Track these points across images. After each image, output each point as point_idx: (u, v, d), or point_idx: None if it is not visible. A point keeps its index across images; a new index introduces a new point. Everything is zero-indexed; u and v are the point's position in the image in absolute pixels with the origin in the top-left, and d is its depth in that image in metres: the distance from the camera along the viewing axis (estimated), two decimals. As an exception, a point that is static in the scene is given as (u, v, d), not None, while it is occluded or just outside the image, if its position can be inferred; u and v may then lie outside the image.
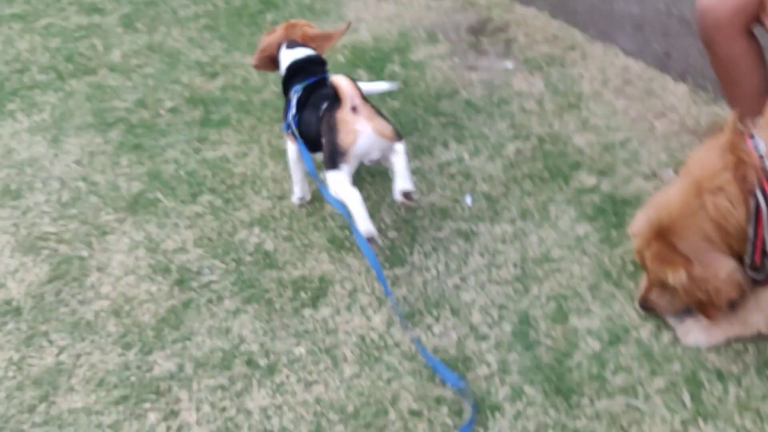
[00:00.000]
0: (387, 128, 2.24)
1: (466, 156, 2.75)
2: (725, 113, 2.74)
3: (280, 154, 2.84)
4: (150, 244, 2.49)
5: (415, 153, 2.78)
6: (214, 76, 3.38)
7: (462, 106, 3.02)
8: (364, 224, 2.10)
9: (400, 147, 2.24)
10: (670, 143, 2.68)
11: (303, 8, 3.85)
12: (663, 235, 1.83)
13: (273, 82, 3.28)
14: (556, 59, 3.22)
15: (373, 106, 2.28)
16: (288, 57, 2.62)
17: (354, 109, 2.20)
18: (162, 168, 2.84)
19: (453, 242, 2.39)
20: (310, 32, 2.69)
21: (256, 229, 2.51)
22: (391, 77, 3.22)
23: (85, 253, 2.48)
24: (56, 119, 3.19)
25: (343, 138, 2.18)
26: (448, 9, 3.70)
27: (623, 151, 2.67)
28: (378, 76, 3.25)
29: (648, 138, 2.72)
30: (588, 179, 2.58)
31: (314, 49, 2.65)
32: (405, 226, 2.47)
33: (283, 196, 2.63)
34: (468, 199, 2.55)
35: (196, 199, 2.67)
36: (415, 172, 2.67)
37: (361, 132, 2.18)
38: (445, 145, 2.82)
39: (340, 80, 2.22)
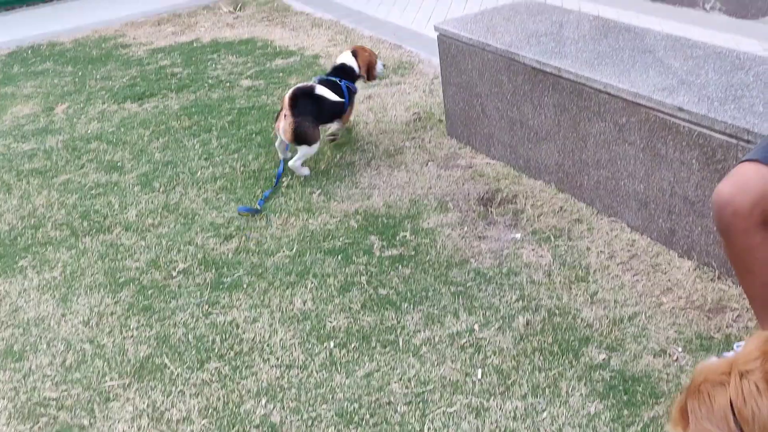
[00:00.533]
0: (288, 131, 3.78)
1: (476, 327, 2.76)
2: (731, 291, 2.76)
3: (291, 320, 2.85)
4: (154, 413, 2.46)
5: (426, 323, 2.80)
6: (228, 238, 3.46)
7: (472, 276, 3.06)
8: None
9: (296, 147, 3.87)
10: (677, 319, 2.69)
11: (319, 174, 3.98)
12: (689, 392, 1.80)
13: (286, 246, 3.35)
14: (563, 231, 3.28)
15: (296, 117, 3.75)
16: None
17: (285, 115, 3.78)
18: (171, 331, 2.85)
19: (464, 418, 2.35)
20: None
21: (263, 400, 2.49)
22: (403, 244, 3.29)
23: (85, 422, 2.45)
24: (67, 277, 3.24)
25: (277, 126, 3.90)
26: (458, 179, 3.82)
27: (632, 327, 2.68)
28: (390, 242, 3.31)
29: (656, 313, 2.74)
30: (598, 355, 2.57)
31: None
32: (415, 399, 2.44)
33: (292, 365, 2.62)
34: (479, 373, 2.54)
35: (204, 366, 2.66)
36: (426, 343, 2.68)
37: (276, 128, 3.87)
38: (456, 315, 2.83)
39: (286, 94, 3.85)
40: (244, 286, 3.11)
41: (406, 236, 3.36)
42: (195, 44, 6.43)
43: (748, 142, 2.62)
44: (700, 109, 2.80)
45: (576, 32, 3.73)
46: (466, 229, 3.39)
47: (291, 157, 3.93)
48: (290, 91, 3.83)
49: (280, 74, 5.44)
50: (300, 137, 3.81)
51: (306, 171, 3.96)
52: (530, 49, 3.59)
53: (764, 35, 4.39)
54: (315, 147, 3.91)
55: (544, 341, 2.66)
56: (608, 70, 3.24)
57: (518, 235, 3.31)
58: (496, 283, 3.01)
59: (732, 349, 2.44)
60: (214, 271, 3.21)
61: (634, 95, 3.03)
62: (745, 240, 2.22)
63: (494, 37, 3.81)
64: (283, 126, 3.78)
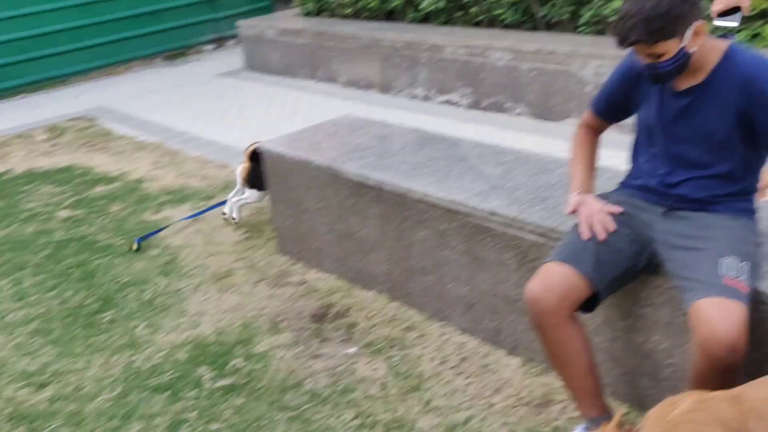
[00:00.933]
0: (240, 175, 4.53)
1: (312, 454, 2.66)
2: (556, 383, 2.82)
3: (113, 470, 2.64)
4: None
5: (258, 455, 2.66)
6: (42, 386, 3.19)
7: (307, 398, 2.97)
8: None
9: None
10: (508, 418, 2.71)
11: (144, 305, 3.80)
12: None
13: (108, 388, 3.13)
14: (396, 341, 3.27)
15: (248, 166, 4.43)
16: None
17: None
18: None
19: None
20: None
21: None
22: (235, 372, 3.16)
23: None
24: None
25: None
26: (290, 296, 3.75)
27: (466, 431, 2.67)
28: (221, 372, 3.18)
29: (488, 415, 2.74)
30: (437, 467, 2.53)
31: None
32: None
33: None
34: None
35: None
36: (259, 478, 2.54)
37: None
38: (291, 442, 2.72)
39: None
40: (62, 437, 2.86)
41: (237, 363, 3.24)
42: (6, 176, 6.10)
43: (557, 240, 2.74)
44: (511, 211, 2.91)
45: (395, 145, 3.84)
46: (300, 348, 3.31)
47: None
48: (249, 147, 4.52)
49: (102, 202, 5.24)
50: (252, 181, 4.49)
51: (237, 216, 4.58)
52: (352, 163, 3.65)
53: (566, 136, 4.71)
54: (260, 195, 4.51)
55: (382, 460, 2.59)
56: (427, 179, 3.34)
57: (352, 350, 3.26)
58: (332, 403, 2.93)
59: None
60: (26, 425, 2.94)
61: (451, 202, 3.12)
62: (557, 334, 2.33)
63: (318, 153, 3.86)
64: (239, 170, 4.57)
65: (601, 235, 2.39)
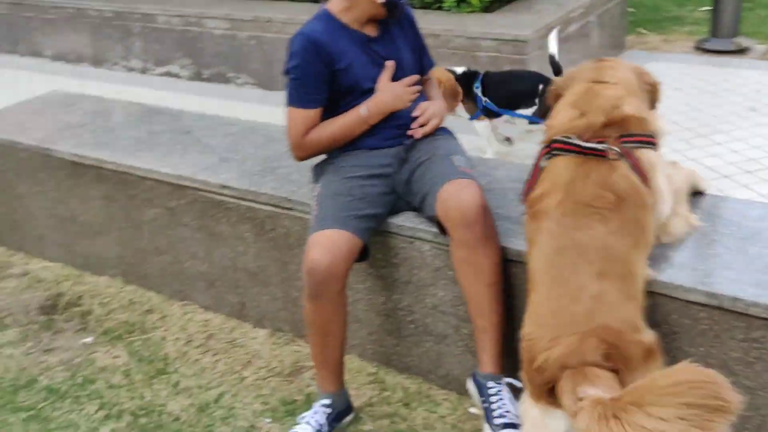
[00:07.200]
0: None
1: (55, 453, 2.52)
2: (305, 350, 2.91)
3: None
4: None
5: (-6, 464, 2.48)
6: None
7: (44, 396, 2.80)
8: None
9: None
10: (261, 390, 2.76)
11: None
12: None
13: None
14: (136, 325, 3.18)
15: None
16: None
17: None
18: None
19: None
20: None
21: None
22: (-46, 379, 2.89)
23: None
24: None
25: None
26: (13, 289, 3.49)
27: (219, 409, 2.68)
28: (-63, 381, 2.89)
29: (240, 389, 2.77)
30: (190, 446, 2.52)
31: None
32: None
33: None
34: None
35: None
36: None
37: None
38: (30, 445, 2.56)
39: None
40: None
41: (-42, 369, 2.97)
42: None
43: (290, 209, 2.81)
44: (242, 184, 2.93)
45: (113, 120, 3.69)
46: (29, 344, 3.11)
47: None
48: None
49: None
50: None
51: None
52: (66, 142, 3.45)
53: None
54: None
55: (133, 448, 2.53)
56: (150, 155, 3.25)
57: (89, 339, 3.12)
58: (72, 397, 2.79)
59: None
60: None
61: (179, 177, 3.07)
62: (335, 302, 2.39)
63: (24, 133, 3.60)
64: None
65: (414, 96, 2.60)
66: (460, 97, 3.94)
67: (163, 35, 6.36)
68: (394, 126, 2.60)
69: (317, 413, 2.47)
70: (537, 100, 3.82)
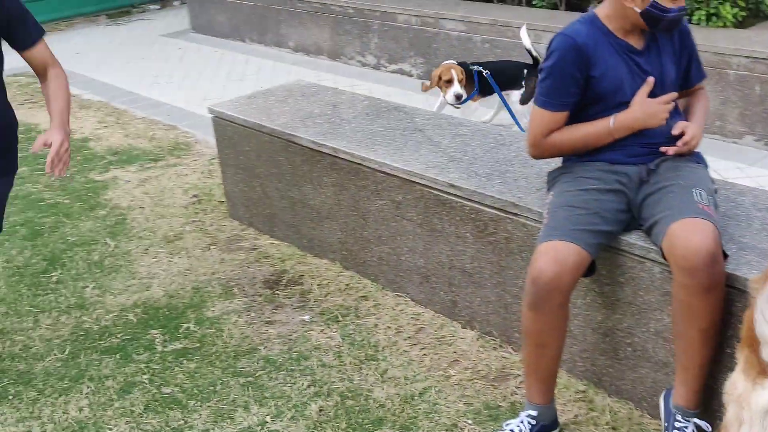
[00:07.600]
0: None
1: (268, 419, 2.67)
2: (512, 358, 2.88)
3: (65, 431, 2.60)
4: None
5: (215, 420, 2.66)
6: (-12, 346, 3.13)
7: (262, 365, 2.97)
8: None
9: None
10: (465, 391, 2.75)
11: (92, 266, 3.73)
12: None
13: (57, 348, 3.08)
14: (350, 309, 3.29)
15: None
16: None
17: None
18: None
19: None
20: None
21: None
22: (188, 336, 3.14)
23: None
24: None
25: None
26: (242, 262, 3.73)
27: (423, 403, 2.71)
28: (173, 335, 3.15)
29: (445, 386, 2.79)
30: (392, 435, 2.56)
31: None
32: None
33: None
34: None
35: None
36: (216, 443, 2.54)
37: None
38: (247, 408, 2.72)
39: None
40: (10, 397, 2.81)
41: (190, 327, 3.21)
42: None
43: (515, 215, 2.78)
44: (469, 185, 2.94)
45: (350, 113, 3.83)
46: (253, 314, 3.30)
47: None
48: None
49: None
50: None
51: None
52: (306, 130, 3.63)
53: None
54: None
55: (338, 427, 2.61)
56: (383, 149, 3.34)
57: (306, 317, 3.27)
58: (287, 369, 2.93)
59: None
60: (-27, 384, 2.88)
61: (408, 173, 3.14)
62: (556, 314, 2.34)
63: (270, 118, 3.82)
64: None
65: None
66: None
67: (400, 33, 6.54)
68: (642, 143, 2.49)
69: (522, 422, 2.43)
70: (523, 83, 4.78)
